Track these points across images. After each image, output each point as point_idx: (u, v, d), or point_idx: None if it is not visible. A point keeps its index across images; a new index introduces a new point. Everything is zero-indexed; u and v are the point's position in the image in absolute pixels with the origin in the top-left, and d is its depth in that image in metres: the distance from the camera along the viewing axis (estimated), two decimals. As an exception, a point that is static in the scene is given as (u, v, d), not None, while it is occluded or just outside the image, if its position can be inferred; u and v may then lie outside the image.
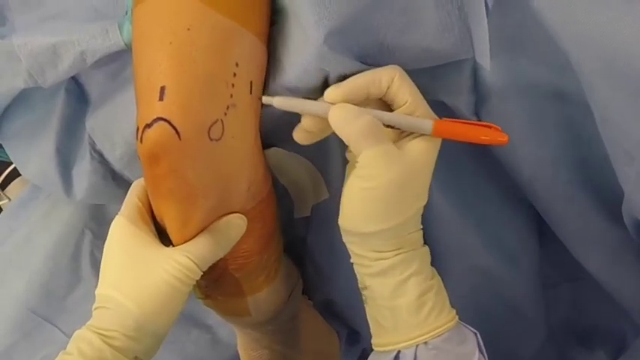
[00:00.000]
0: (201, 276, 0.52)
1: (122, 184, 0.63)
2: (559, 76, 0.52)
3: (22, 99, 0.62)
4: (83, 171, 0.62)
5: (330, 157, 0.60)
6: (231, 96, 0.48)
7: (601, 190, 0.58)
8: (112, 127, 0.59)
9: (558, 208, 0.60)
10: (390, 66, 0.49)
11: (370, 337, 0.54)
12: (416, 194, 0.50)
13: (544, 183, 0.58)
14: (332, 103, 0.49)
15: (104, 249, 0.50)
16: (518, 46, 0.52)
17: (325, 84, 0.51)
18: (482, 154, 0.60)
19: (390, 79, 0.48)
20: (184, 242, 0.50)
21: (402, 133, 0.50)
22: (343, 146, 0.54)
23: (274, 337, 0.67)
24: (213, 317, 0.73)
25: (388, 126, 0.49)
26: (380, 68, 0.49)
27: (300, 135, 0.52)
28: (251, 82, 0.50)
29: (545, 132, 0.56)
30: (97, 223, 0.67)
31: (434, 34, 0.51)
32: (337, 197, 0.52)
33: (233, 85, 0.48)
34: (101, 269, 0.50)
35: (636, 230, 0.57)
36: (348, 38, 0.49)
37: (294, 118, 0.52)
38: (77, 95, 0.61)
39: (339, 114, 0.48)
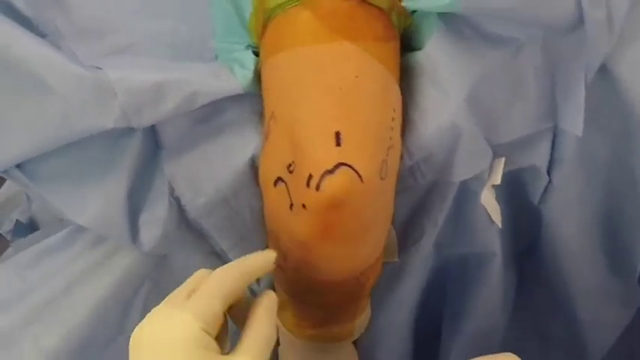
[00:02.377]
0: (324, 309, 0.55)
1: (193, 232, 0.59)
2: (615, 143, 0.62)
3: None
4: (155, 218, 0.57)
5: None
6: (391, 138, 0.50)
7: (615, 249, 0.69)
8: (201, 174, 0.56)
9: (578, 262, 0.69)
10: (507, 354, 0.47)
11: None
12: None
13: (578, 240, 0.67)
14: None
15: (149, 347, 0.41)
16: (591, 118, 0.60)
17: (449, 157, 0.55)
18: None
19: None
20: (342, 279, 0.51)
21: None
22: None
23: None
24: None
25: None
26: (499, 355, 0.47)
27: None
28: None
29: (592, 194, 0.64)
30: (159, 271, 0.62)
31: (532, 105, 0.57)
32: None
33: (392, 128, 0.50)
34: None
35: None
36: (475, 104, 0.54)
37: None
38: (151, 137, 0.57)
39: None
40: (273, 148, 0.51)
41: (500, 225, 0.62)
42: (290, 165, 0.48)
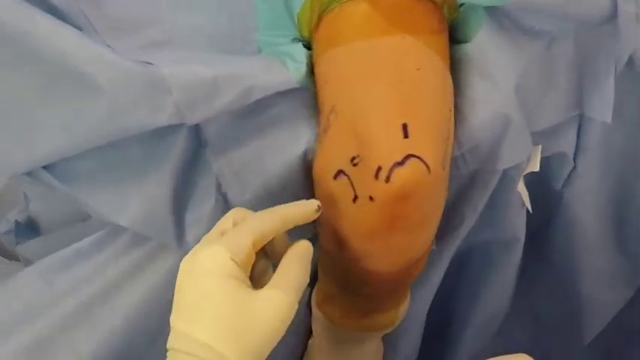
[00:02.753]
0: (372, 299, 0.56)
1: (235, 227, 0.58)
2: (633, 134, 0.65)
3: None
4: (201, 217, 0.56)
5: None
6: (448, 129, 0.51)
7: (624, 232, 0.72)
8: (250, 169, 0.55)
9: (590, 243, 0.72)
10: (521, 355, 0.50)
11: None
12: None
13: (593, 222, 0.70)
14: None
15: (186, 279, 0.44)
16: (615, 108, 0.62)
17: (496, 146, 0.56)
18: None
19: None
20: (398, 269, 0.52)
21: None
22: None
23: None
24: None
25: None
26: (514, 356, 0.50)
27: None
28: None
29: (608, 180, 0.67)
30: None
31: (562, 94, 0.60)
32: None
33: (449, 119, 0.51)
34: (187, 303, 0.43)
35: None
36: (520, 94, 0.55)
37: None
38: (194, 133, 0.55)
39: None
40: (333, 141, 0.51)
41: (530, 210, 0.65)
42: (354, 158, 0.48)
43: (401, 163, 0.46)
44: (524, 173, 0.60)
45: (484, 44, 0.55)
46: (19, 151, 0.54)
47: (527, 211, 0.70)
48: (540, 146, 0.60)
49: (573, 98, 0.61)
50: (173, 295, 0.58)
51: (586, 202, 0.68)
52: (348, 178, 0.49)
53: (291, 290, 0.44)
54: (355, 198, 0.49)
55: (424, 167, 0.47)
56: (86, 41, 0.50)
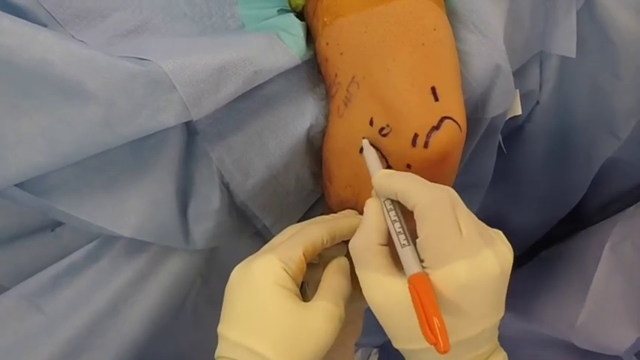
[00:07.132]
0: None
1: (241, 218, 0.55)
2: (596, 67, 0.67)
3: None
4: (207, 211, 0.52)
5: None
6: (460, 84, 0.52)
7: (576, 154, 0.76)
8: (251, 153, 0.52)
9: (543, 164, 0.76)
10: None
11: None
12: None
13: (547, 148, 0.73)
14: None
15: (237, 288, 0.44)
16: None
17: (486, 96, 0.56)
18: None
19: None
20: None
21: None
22: None
23: None
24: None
25: None
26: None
27: None
28: None
29: (565, 109, 0.70)
30: (209, 265, 0.56)
31: (526, 35, 0.61)
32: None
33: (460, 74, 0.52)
34: (239, 313, 0.43)
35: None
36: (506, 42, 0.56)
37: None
38: (186, 124, 0.50)
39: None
40: (355, 114, 0.49)
41: (505, 151, 0.67)
42: (382, 129, 0.48)
43: (437, 127, 0.46)
44: (507, 118, 0.62)
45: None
46: None
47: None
48: (518, 90, 0.62)
49: (536, 37, 0.62)
50: (181, 297, 0.55)
51: (545, 132, 0.71)
52: (377, 149, 0.48)
53: (340, 302, 0.45)
54: (388, 168, 0.48)
55: (457, 127, 0.47)
56: (66, 43, 0.44)
